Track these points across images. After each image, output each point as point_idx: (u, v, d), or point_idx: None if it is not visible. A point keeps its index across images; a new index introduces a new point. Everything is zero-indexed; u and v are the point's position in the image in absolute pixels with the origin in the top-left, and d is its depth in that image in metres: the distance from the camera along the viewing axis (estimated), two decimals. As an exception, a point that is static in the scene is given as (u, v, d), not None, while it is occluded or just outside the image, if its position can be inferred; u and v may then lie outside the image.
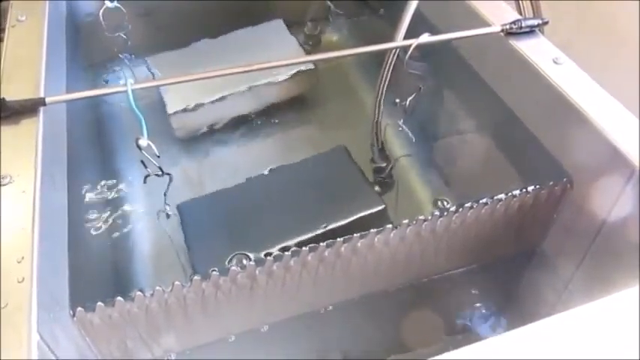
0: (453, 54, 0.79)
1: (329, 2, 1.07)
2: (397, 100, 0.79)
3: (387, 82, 0.76)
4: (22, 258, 0.48)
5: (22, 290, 0.46)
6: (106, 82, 1.01)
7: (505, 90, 0.72)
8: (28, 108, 0.60)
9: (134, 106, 0.61)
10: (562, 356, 0.41)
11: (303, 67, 0.92)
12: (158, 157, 0.65)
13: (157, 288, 0.56)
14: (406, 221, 0.61)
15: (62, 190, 0.62)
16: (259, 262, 0.58)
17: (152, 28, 1.01)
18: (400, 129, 0.80)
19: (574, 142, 0.63)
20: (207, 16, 1.03)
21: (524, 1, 0.90)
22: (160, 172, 0.67)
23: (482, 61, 0.76)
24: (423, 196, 0.84)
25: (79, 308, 0.53)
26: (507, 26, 0.69)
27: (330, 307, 0.68)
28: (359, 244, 0.61)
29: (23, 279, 0.47)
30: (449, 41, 0.71)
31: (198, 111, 0.89)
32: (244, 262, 0.58)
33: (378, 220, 0.74)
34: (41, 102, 0.61)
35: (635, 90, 0.97)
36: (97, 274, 0.68)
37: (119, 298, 0.55)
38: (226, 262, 0.68)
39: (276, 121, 0.94)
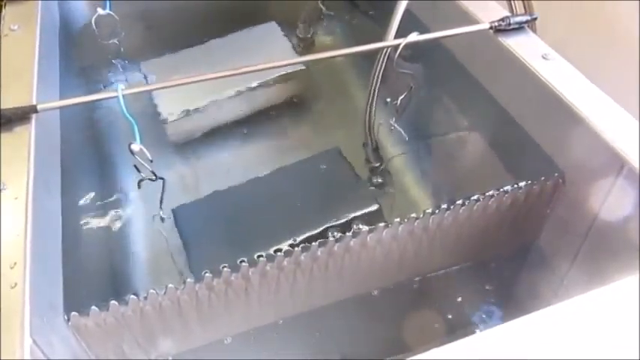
0: (444, 52, 0.79)
1: (320, 4, 1.07)
2: (388, 100, 0.79)
3: (378, 82, 0.76)
4: (15, 264, 0.48)
5: (15, 296, 0.46)
6: (103, 87, 1.02)
7: (495, 87, 0.73)
8: (20, 115, 0.61)
9: (125, 111, 0.61)
10: (557, 347, 0.41)
11: (295, 69, 0.92)
12: (151, 161, 0.65)
13: (151, 291, 0.56)
14: (398, 219, 0.61)
15: (56, 195, 0.63)
16: (252, 263, 0.58)
17: (145, 33, 1.01)
18: (392, 128, 0.80)
19: (565, 138, 0.63)
20: (201, 20, 1.04)
21: (515, 1, 0.90)
22: (154, 177, 0.67)
23: (473, 59, 0.76)
24: (416, 194, 0.85)
25: (74, 313, 0.53)
26: (496, 23, 0.69)
27: (326, 307, 0.68)
28: (352, 243, 0.61)
29: (16, 284, 0.47)
30: (438, 40, 0.72)
31: (192, 115, 0.89)
32: (237, 263, 0.58)
33: (372, 220, 0.74)
34: (33, 109, 0.61)
35: (634, 88, 0.97)
36: (91, 278, 0.68)
37: (113, 301, 0.55)
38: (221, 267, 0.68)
39: (270, 123, 0.95)
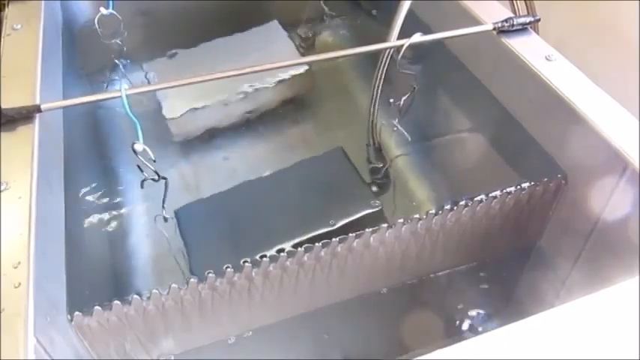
0: (447, 53, 0.79)
1: (323, 4, 1.07)
2: (391, 100, 0.79)
3: (381, 83, 0.76)
4: (19, 263, 0.48)
5: (19, 295, 0.46)
6: (106, 87, 1.01)
7: (498, 88, 0.73)
8: (24, 115, 0.61)
9: (129, 111, 0.61)
10: (559, 349, 0.41)
11: (299, 70, 0.92)
12: (154, 161, 0.65)
13: (154, 291, 0.56)
14: (401, 220, 0.61)
15: (59, 195, 0.63)
16: (255, 264, 0.58)
17: (148, 33, 1.01)
18: (395, 129, 0.81)
19: (567, 138, 0.63)
20: (204, 19, 1.04)
21: (518, 2, 0.90)
22: (157, 177, 0.67)
23: (476, 60, 0.76)
24: (419, 195, 0.85)
25: (77, 312, 0.54)
26: (499, 24, 0.69)
27: (328, 308, 0.68)
28: (355, 244, 0.61)
29: (20, 284, 0.47)
30: (441, 40, 0.72)
31: (195, 115, 0.89)
32: (240, 263, 0.58)
33: (375, 221, 0.74)
34: (36, 109, 0.61)
35: (634, 88, 0.97)
36: (94, 278, 0.68)
37: (116, 301, 0.55)
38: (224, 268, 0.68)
39: (273, 123, 0.94)
